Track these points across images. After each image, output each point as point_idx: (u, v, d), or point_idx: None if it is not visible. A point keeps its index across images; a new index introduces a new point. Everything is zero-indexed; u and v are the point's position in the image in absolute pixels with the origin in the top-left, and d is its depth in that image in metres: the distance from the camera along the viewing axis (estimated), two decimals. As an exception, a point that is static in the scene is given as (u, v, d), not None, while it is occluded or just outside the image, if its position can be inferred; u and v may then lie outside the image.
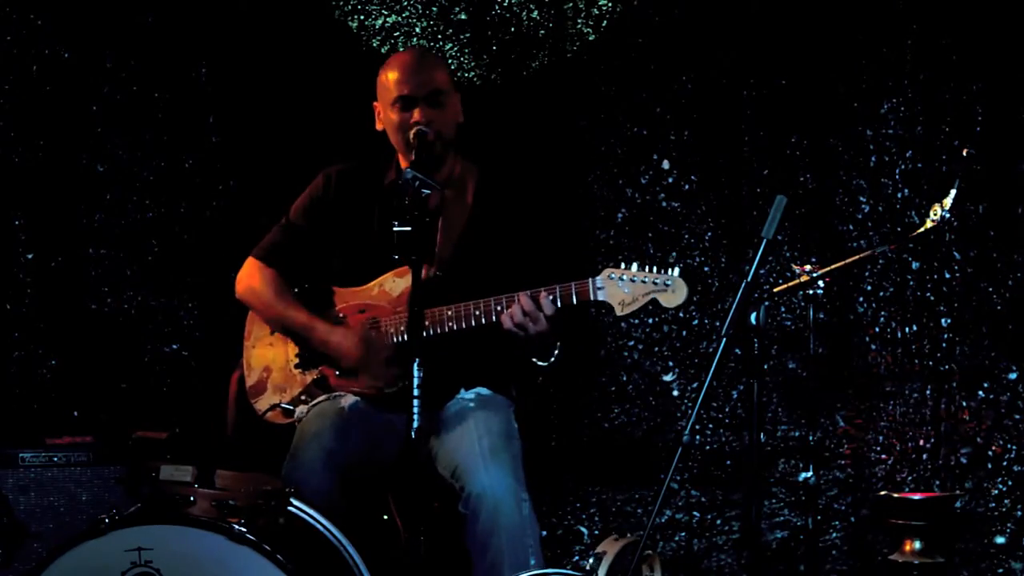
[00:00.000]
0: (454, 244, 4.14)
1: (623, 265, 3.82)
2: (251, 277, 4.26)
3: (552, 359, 3.97)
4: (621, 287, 3.81)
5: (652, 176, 5.25)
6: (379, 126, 4.19)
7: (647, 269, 3.81)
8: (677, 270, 3.80)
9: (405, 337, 4.02)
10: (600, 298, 3.82)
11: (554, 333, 3.91)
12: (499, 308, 3.89)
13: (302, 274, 4.25)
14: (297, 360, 4.20)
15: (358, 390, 4.11)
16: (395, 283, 4.11)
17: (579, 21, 5.26)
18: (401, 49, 5.21)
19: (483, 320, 3.93)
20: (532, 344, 3.91)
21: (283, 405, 4.15)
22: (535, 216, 4.24)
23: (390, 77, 4.13)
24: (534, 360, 3.97)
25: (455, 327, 3.94)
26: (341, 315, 4.17)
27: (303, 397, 4.15)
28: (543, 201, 4.57)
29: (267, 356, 4.24)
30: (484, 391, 4.16)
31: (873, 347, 5.14)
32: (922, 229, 3.82)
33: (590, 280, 3.83)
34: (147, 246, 5.26)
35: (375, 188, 4.21)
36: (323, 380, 4.15)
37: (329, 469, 3.91)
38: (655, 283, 3.80)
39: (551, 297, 3.83)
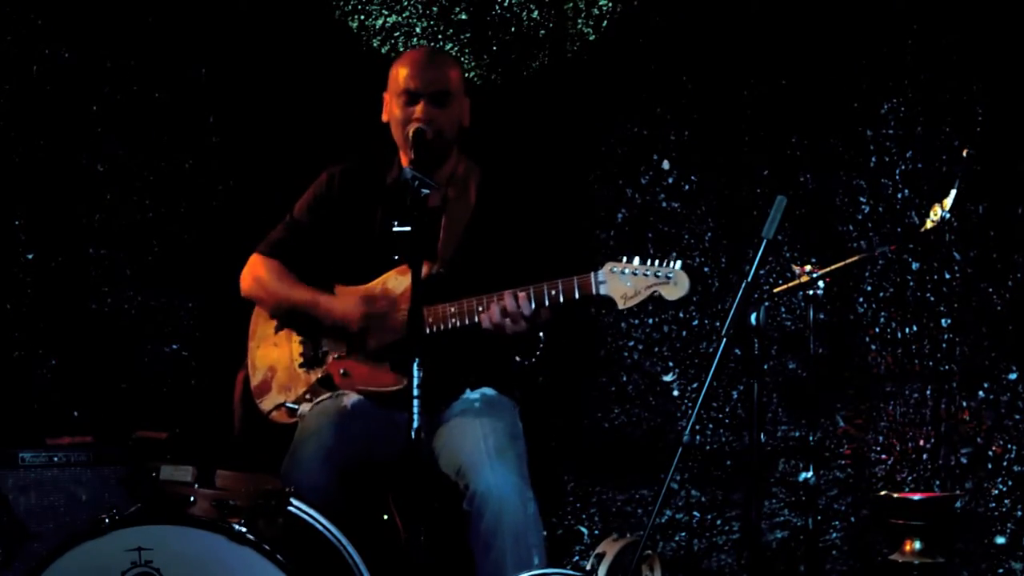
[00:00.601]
0: (457, 242, 4.14)
1: (624, 259, 3.81)
2: (255, 270, 4.27)
3: (534, 359, 3.98)
4: (623, 280, 3.80)
5: (652, 176, 5.26)
6: (384, 118, 4.20)
7: (649, 262, 3.81)
8: (679, 263, 3.79)
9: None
10: (602, 292, 3.80)
11: (536, 333, 3.92)
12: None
13: (305, 272, 4.25)
14: (301, 359, 4.20)
15: (362, 388, 4.11)
16: (398, 281, 4.11)
17: (579, 21, 5.26)
18: (401, 49, 5.22)
19: None
20: (512, 343, 3.92)
21: (288, 404, 4.15)
22: (537, 215, 4.24)
23: (401, 70, 4.13)
24: (516, 358, 3.99)
25: (458, 323, 3.93)
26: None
27: (307, 396, 4.15)
28: (545, 200, 4.57)
29: (271, 356, 4.24)
30: (489, 392, 4.16)
31: (873, 347, 5.14)
32: (922, 229, 3.82)
33: (592, 274, 3.81)
34: (147, 246, 5.27)
35: (378, 186, 4.22)
36: (328, 379, 4.15)
37: (327, 467, 3.91)
38: (657, 275, 3.79)
39: (531, 298, 3.84)
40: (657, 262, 3.80)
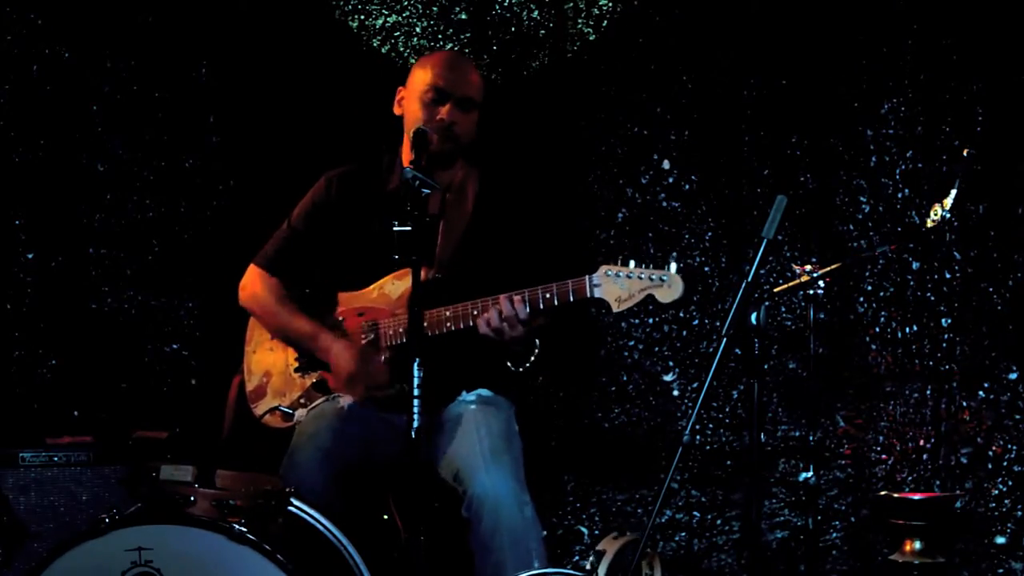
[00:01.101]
0: (454, 247, 4.14)
1: (620, 261, 3.82)
2: (254, 285, 4.27)
3: (527, 365, 3.98)
4: (617, 283, 3.81)
5: (652, 176, 5.26)
6: (398, 111, 4.20)
7: (643, 265, 3.82)
8: (674, 266, 3.80)
9: (404, 339, 4.03)
10: (597, 295, 3.82)
11: (531, 340, 3.93)
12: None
13: (304, 279, 4.25)
14: (296, 364, 4.20)
15: (356, 395, 4.12)
16: (395, 285, 4.11)
17: (579, 21, 5.26)
18: (401, 49, 5.22)
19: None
20: (508, 349, 3.92)
21: (282, 408, 4.15)
22: (535, 221, 4.25)
23: (430, 66, 4.14)
24: (508, 364, 3.99)
25: (453, 327, 3.94)
26: (340, 318, 4.18)
27: (302, 400, 4.16)
28: (543, 205, 4.57)
29: (267, 361, 4.24)
30: (485, 392, 4.17)
31: (873, 347, 5.14)
32: (923, 229, 3.82)
33: (587, 278, 3.83)
34: (147, 246, 5.26)
35: (377, 192, 4.21)
36: (322, 383, 4.16)
37: (325, 470, 3.92)
38: (651, 279, 3.80)
39: (527, 302, 3.84)
40: (652, 265, 3.81)
